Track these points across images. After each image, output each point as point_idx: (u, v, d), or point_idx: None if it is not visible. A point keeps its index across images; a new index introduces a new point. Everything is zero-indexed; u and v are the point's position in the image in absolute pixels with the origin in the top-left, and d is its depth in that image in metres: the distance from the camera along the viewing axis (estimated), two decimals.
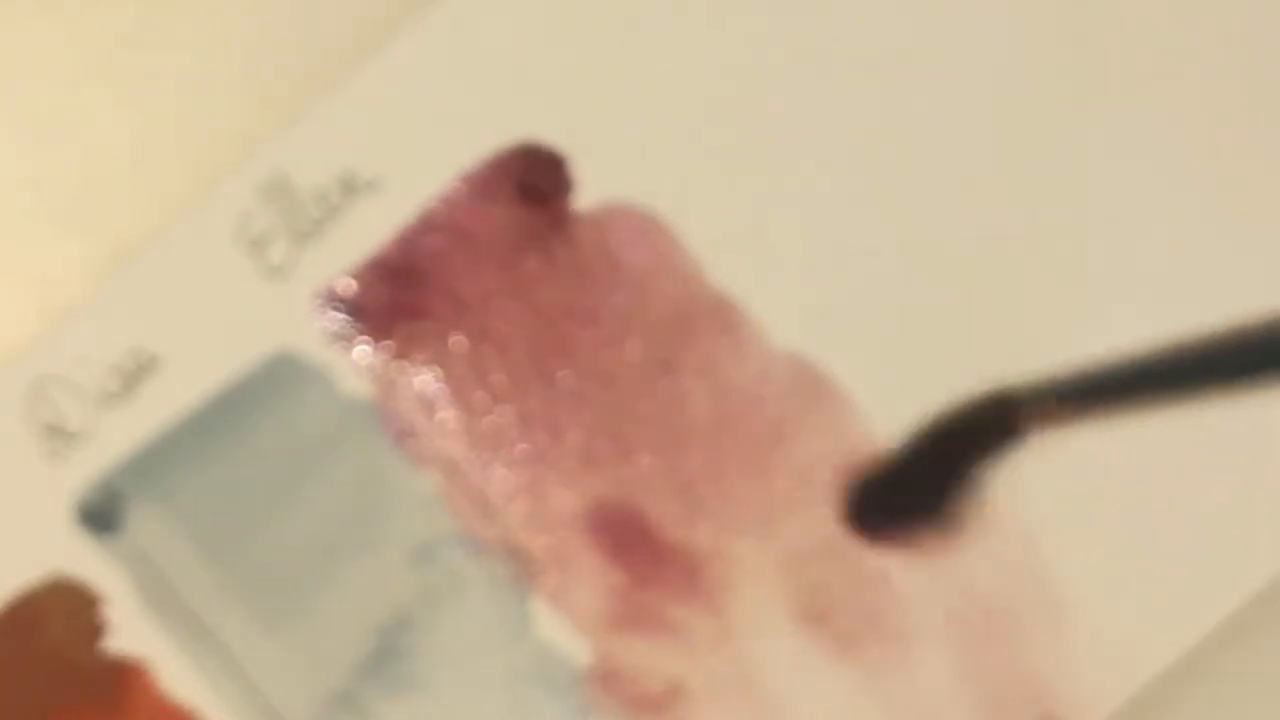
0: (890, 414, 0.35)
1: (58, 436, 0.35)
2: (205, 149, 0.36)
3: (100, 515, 0.35)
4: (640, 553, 0.35)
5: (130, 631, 0.34)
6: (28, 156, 0.35)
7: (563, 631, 0.35)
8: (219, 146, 0.36)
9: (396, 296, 0.35)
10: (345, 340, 0.35)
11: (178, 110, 0.36)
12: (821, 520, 0.35)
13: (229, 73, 0.36)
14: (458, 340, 0.35)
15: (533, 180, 0.35)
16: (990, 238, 0.36)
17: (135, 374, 0.35)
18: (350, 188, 0.35)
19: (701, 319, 0.35)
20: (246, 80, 0.36)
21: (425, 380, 0.35)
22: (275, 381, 0.35)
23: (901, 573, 0.35)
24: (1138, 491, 0.35)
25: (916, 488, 0.35)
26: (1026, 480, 0.35)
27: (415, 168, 0.35)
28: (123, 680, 0.34)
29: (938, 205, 0.36)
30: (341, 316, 0.35)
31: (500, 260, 0.35)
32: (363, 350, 0.35)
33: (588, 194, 0.36)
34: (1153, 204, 0.36)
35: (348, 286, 0.35)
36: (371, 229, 0.35)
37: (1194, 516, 0.35)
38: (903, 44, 0.36)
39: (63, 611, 0.34)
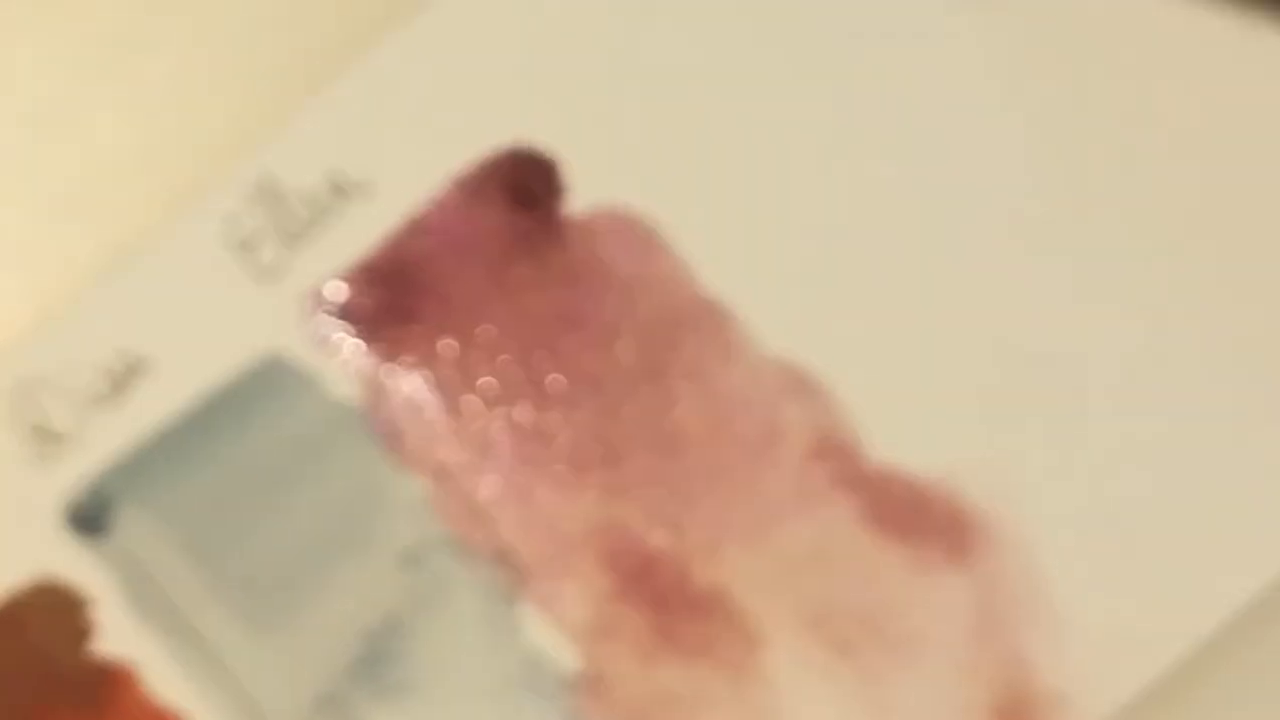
0: (880, 418, 0.35)
1: (46, 439, 0.35)
2: (201, 149, 0.36)
3: (88, 518, 0.35)
4: (629, 558, 0.35)
5: (117, 634, 0.35)
6: (24, 156, 0.36)
7: (551, 637, 0.35)
8: (214, 147, 0.36)
9: (386, 300, 0.35)
10: (334, 343, 0.35)
11: (174, 111, 0.36)
12: (814, 525, 0.35)
13: (223, 73, 0.36)
14: (447, 344, 0.35)
15: (524, 184, 0.35)
16: (981, 243, 0.36)
17: (124, 376, 0.35)
18: (340, 190, 0.35)
19: (691, 323, 0.35)
20: (241, 80, 0.36)
21: (414, 384, 0.35)
22: (264, 384, 0.35)
23: (899, 579, 0.35)
24: (1132, 503, 0.35)
25: None
26: (1026, 490, 0.35)
27: (406, 170, 0.35)
28: (108, 683, 0.34)
29: (929, 211, 0.36)
30: (331, 319, 0.35)
31: (490, 264, 0.35)
32: (352, 353, 0.35)
33: (579, 198, 0.36)
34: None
35: (337, 289, 0.35)
36: (361, 232, 0.35)
37: (1186, 527, 0.35)
38: (895, 53, 0.36)
39: (49, 614, 0.34)
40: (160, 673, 0.34)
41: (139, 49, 0.36)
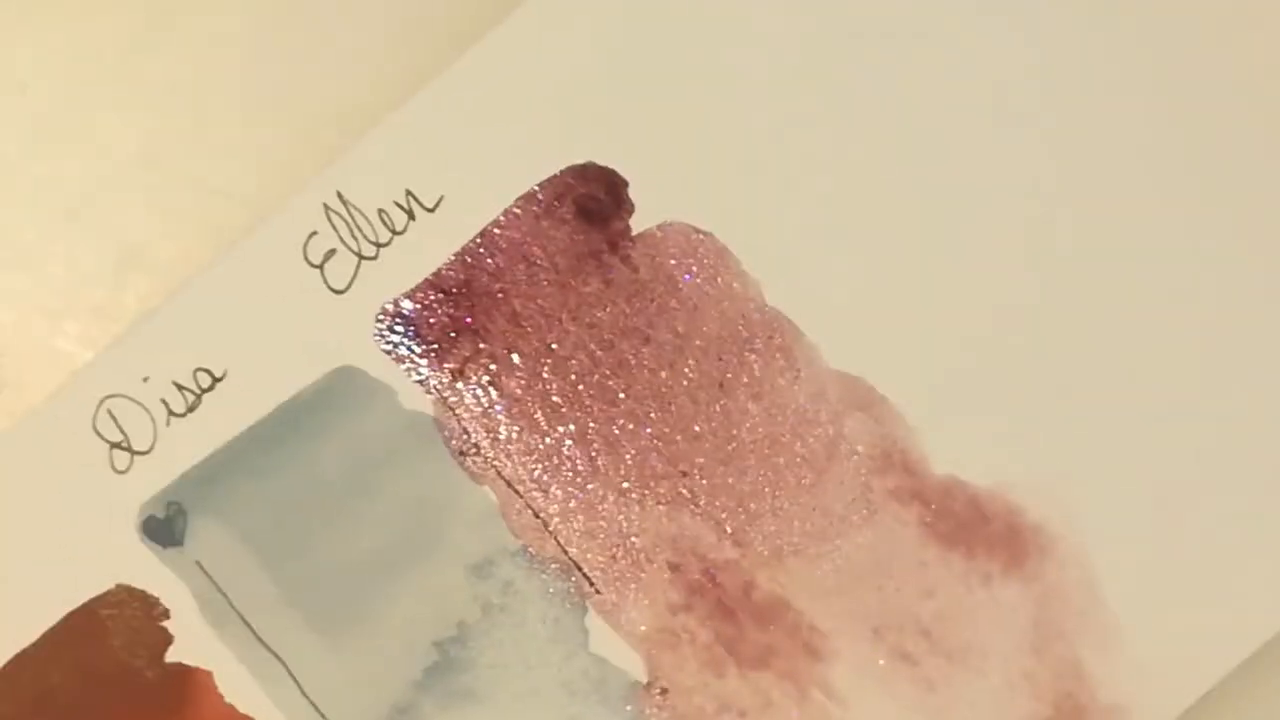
0: (940, 432, 0.35)
1: (124, 452, 0.35)
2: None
3: (164, 529, 0.35)
4: (694, 570, 0.35)
5: (192, 642, 0.35)
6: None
7: (617, 647, 0.35)
8: (278, 165, 0.36)
9: (457, 315, 0.36)
10: (406, 358, 0.35)
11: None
12: (876, 537, 0.35)
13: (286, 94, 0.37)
14: (516, 358, 0.35)
15: (592, 201, 0.36)
16: (1044, 262, 0.36)
17: (200, 390, 0.35)
18: (411, 208, 0.36)
19: (757, 340, 0.36)
20: (299, 101, 0.36)
21: (484, 397, 0.35)
22: (337, 398, 0.35)
23: (959, 590, 0.35)
24: (1190, 517, 0.35)
25: None
26: (1083, 504, 0.35)
27: (475, 189, 0.36)
28: (184, 690, 0.35)
29: (994, 233, 0.36)
30: (403, 335, 0.35)
31: (559, 281, 0.36)
32: (423, 368, 0.35)
33: (646, 216, 0.36)
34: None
35: (409, 305, 0.35)
36: (432, 249, 0.36)
37: (1244, 541, 0.35)
38: (956, 75, 0.36)
39: (127, 622, 0.35)
40: (234, 681, 0.35)
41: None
